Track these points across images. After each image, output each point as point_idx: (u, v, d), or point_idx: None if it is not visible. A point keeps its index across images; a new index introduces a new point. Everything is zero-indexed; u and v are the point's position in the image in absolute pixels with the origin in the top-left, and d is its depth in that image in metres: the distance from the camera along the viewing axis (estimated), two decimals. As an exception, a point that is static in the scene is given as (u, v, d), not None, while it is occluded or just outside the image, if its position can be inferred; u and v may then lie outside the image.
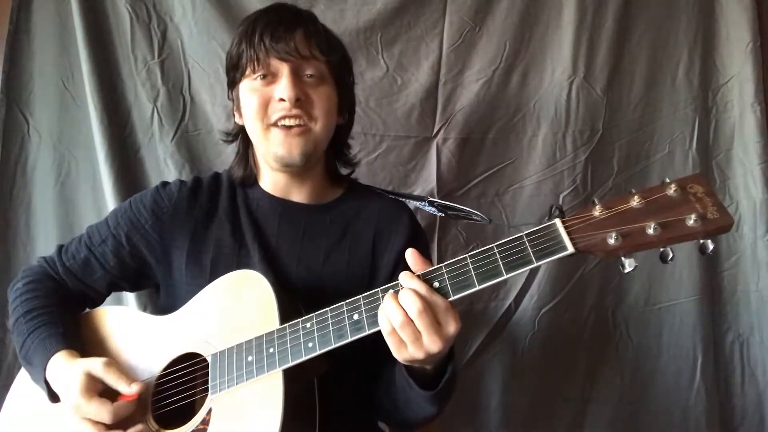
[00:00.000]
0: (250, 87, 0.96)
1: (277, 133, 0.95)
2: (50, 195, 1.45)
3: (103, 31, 1.43)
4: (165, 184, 1.06)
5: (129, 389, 0.83)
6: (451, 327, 0.71)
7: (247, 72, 0.95)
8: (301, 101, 0.93)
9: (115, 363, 0.86)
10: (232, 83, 1.02)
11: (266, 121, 0.95)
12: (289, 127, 0.94)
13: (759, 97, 1.53)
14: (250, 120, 0.97)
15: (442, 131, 1.51)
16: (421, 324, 0.70)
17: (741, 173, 1.57)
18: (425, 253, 0.94)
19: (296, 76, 0.94)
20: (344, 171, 1.14)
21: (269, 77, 0.95)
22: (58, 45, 1.44)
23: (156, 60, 1.44)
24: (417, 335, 0.71)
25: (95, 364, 0.84)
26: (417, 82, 1.50)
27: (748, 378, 1.59)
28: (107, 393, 0.84)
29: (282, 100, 0.92)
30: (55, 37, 1.44)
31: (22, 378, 0.99)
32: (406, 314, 0.70)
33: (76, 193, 1.47)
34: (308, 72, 0.95)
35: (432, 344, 0.70)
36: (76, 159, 1.46)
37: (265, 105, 0.94)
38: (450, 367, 0.79)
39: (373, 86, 1.48)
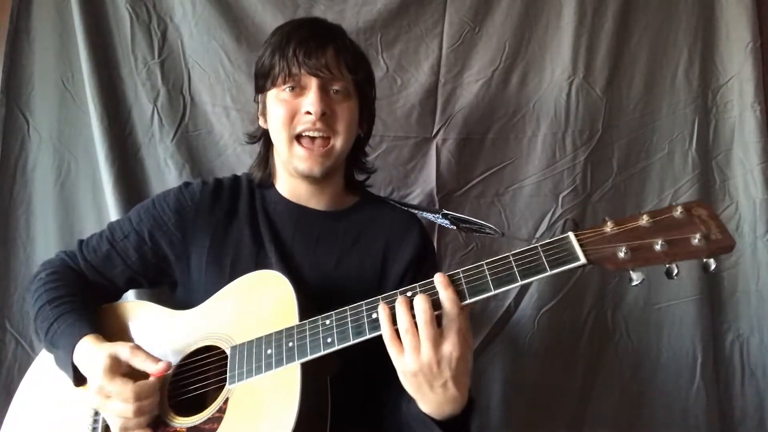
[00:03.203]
0: (278, 97, 1.01)
1: (300, 150, 1.00)
2: (50, 195, 1.46)
3: (103, 31, 1.44)
4: (187, 184, 1.10)
5: (157, 367, 0.84)
6: (448, 346, 0.73)
7: (278, 82, 1.00)
8: (326, 116, 0.99)
9: (140, 347, 0.88)
10: (261, 89, 1.06)
11: (291, 132, 1.00)
12: (312, 138, 1.00)
13: (759, 97, 1.53)
14: (275, 129, 1.02)
15: (441, 131, 1.51)
16: (424, 333, 0.73)
17: (741, 173, 1.56)
18: (433, 265, 1.00)
19: (323, 91, 0.99)
20: (360, 177, 1.19)
21: (297, 89, 1.00)
22: (58, 45, 1.44)
23: (156, 60, 1.45)
24: (416, 344, 0.73)
25: (121, 348, 0.86)
26: (417, 82, 1.50)
27: (748, 378, 1.59)
28: (131, 377, 0.85)
29: (308, 113, 0.98)
30: (55, 37, 1.44)
31: (34, 370, 1.02)
32: (414, 321, 0.74)
33: (76, 193, 1.47)
34: (335, 87, 1.01)
35: (426, 354, 0.73)
36: (76, 159, 1.46)
37: (292, 116, 0.99)
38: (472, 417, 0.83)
39: (372, 86, 1.48)
